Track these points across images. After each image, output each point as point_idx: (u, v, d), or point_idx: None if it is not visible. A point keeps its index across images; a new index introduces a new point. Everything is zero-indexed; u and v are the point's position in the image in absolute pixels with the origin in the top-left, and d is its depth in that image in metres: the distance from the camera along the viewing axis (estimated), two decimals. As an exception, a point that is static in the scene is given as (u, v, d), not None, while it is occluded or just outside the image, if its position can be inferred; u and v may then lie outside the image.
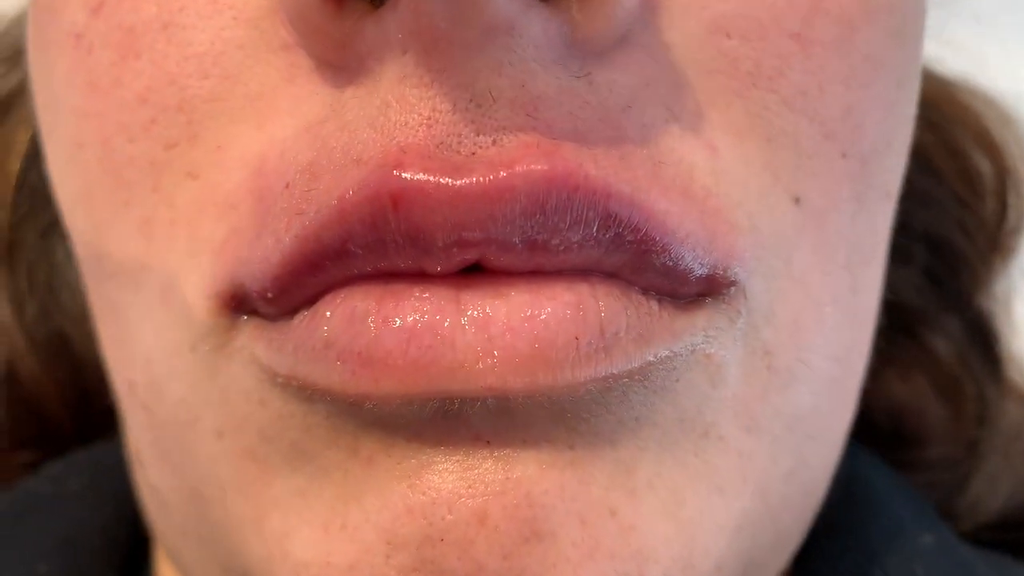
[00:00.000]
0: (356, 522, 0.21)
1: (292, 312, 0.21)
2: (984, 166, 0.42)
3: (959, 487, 0.39)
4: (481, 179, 0.19)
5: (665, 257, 0.20)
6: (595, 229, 0.20)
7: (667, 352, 0.21)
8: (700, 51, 0.21)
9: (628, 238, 0.20)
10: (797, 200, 0.22)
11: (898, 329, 0.40)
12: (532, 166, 0.19)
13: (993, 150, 0.42)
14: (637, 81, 0.20)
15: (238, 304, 0.21)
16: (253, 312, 0.22)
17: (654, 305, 0.21)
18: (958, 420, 0.40)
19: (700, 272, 0.21)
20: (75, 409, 0.41)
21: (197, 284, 0.22)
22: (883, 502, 0.33)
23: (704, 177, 0.21)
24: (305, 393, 0.21)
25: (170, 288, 0.22)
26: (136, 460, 0.27)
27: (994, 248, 0.42)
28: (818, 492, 0.26)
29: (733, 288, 0.21)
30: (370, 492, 0.21)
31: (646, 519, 0.21)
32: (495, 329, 0.19)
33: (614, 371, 0.20)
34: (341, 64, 0.20)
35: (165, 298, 0.22)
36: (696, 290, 0.21)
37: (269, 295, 0.21)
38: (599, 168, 0.20)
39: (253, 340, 0.21)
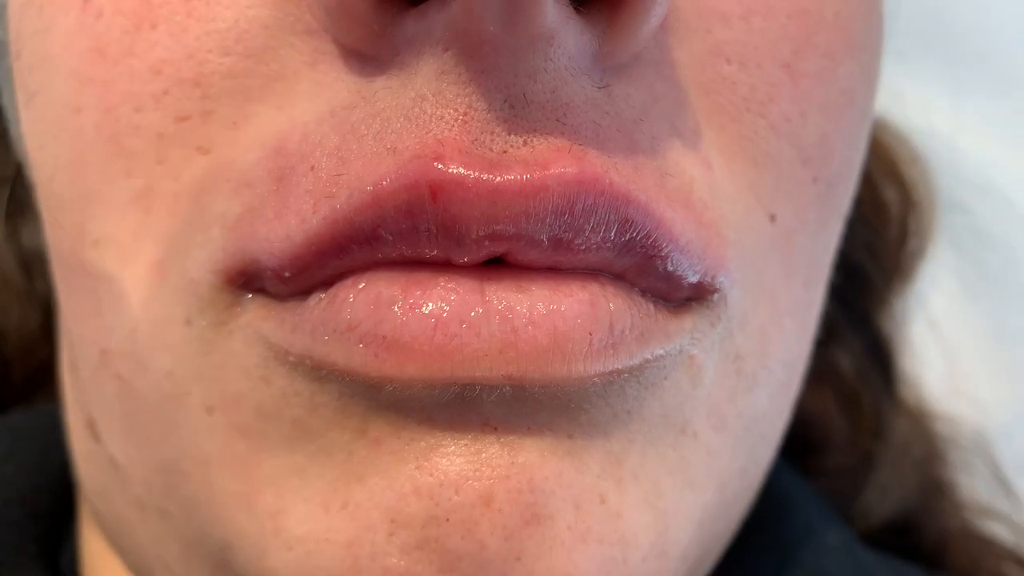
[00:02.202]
0: (358, 500, 0.21)
1: (305, 293, 0.21)
2: (891, 196, 0.45)
3: (853, 494, 0.42)
4: (518, 177, 0.20)
5: (667, 263, 0.21)
6: (613, 232, 0.21)
7: (661, 351, 0.22)
8: (702, 73, 0.22)
9: (639, 243, 0.21)
10: (773, 218, 0.23)
11: None
12: (565, 168, 0.20)
13: (901, 183, 0.46)
14: (648, 96, 0.21)
15: (246, 281, 0.21)
16: (259, 290, 0.22)
17: (651, 307, 0.22)
18: (856, 432, 0.43)
19: (693, 279, 0.22)
20: None
21: (202, 258, 0.22)
22: (795, 503, 0.35)
23: (701, 191, 0.22)
24: (317, 373, 0.21)
25: (166, 260, 0.22)
26: (86, 430, 0.27)
27: (896, 271, 0.45)
28: (757, 490, 0.28)
29: (717, 295, 0.23)
30: (375, 472, 0.21)
31: (630, 508, 0.22)
32: (518, 321, 0.20)
33: (618, 366, 0.21)
34: (371, 54, 0.20)
35: (159, 270, 0.22)
36: (686, 295, 0.22)
37: (286, 274, 0.21)
38: (620, 175, 0.21)
39: (260, 319, 0.21)
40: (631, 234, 0.21)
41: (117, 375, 0.24)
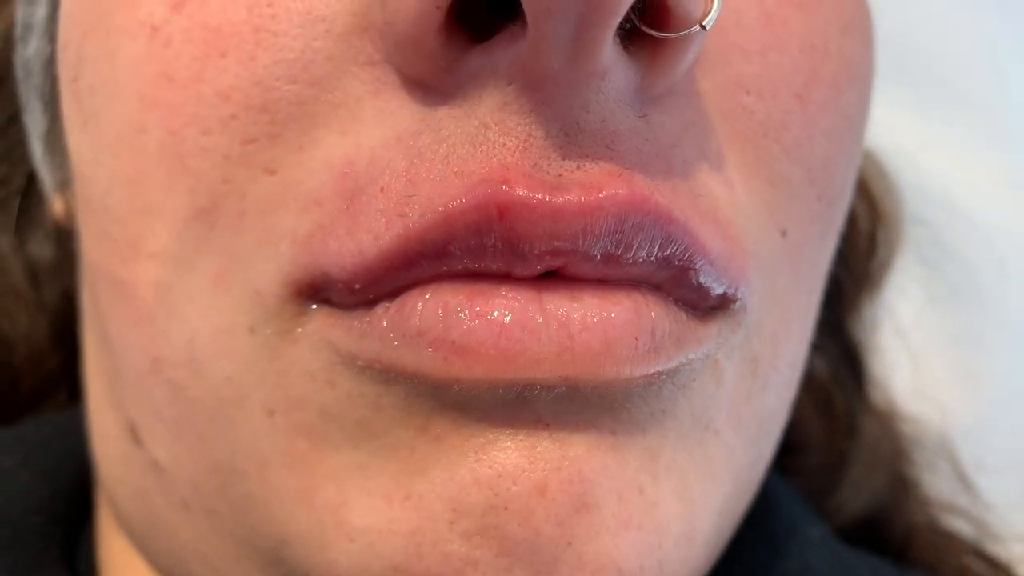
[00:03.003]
0: (421, 492, 0.22)
1: (371, 303, 0.23)
2: (860, 209, 0.48)
3: (828, 491, 0.44)
4: (577, 199, 0.21)
5: (700, 275, 0.23)
6: (657, 248, 0.22)
7: (693, 356, 0.24)
8: (724, 102, 0.24)
9: (678, 257, 0.23)
10: (784, 233, 0.26)
11: None
12: (617, 191, 0.22)
13: (869, 196, 0.48)
14: (680, 123, 0.23)
15: (313, 292, 0.23)
16: (325, 301, 0.23)
17: (684, 315, 0.24)
18: (830, 433, 0.45)
19: (719, 290, 0.24)
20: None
21: (270, 272, 0.23)
22: (779, 499, 0.37)
23: (726, 208, 0.24)
24: (385, 376, 0.23)
25: (228, 272, 0.23)
26: (126, 434, 0.28)
27: (865, 280, 0.48)
28: (761, 480, 0.30)
29: (738, 304, 0.25)
30: (437, 466, 0.23)
31: (664, 498, 0.24)
32: (574, 328, 0.22)
33: (659, 368, 0.23)
34: (434, 85, 0.22)
35: (221, 281, 0.23)
36: (712, 304, 0.24)
37: (356, 286, 0.22)
38: (662, 196, 0.22)
39: (327, 327, 0.23)
40: (671, 249, 0.23)
41: (169, 381, 0.25)
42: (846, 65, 0.26)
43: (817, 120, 0.26)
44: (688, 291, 0.24)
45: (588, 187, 0.22)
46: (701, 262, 0.23)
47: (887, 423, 0.48)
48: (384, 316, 0.22)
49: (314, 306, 0.23)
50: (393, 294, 0.23)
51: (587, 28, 0.20)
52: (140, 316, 0.25)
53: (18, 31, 0.36)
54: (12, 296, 0.43)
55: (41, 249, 0.43)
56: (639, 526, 0.23)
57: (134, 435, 0.27)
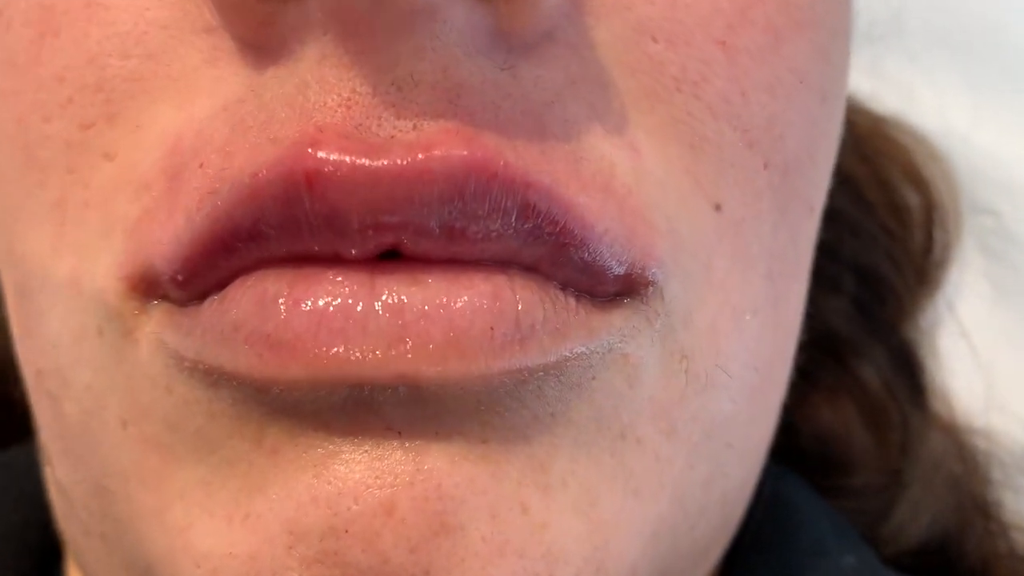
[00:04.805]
0: (259, 512, 0.20)
1: (202, 296, 0.21)
2: (912, 200, 0.43)
3: (883, 514, 0.39)
4: (399, 161, 0.19)
5: (583, 252, 0.20)
6: (513, 218, 0.20)
7: (583, 349, 0.21)
8: (625, 53, 0.21)
9: (547, 230, 0.20)
10: (718, 207, 0.22)
11: (827, 356, 0.40)
12: (451, 151, 0.19)
13: (921, 184, 0.44)
14: (562, 78, 0.20)
15: (148, 287, 0.21)
16: (163, 297, 0.21)
17: (571, 301, 0.21)
18: (883, 448, 0.41)
19: (618, 270, 0.21)
20: None
21: (108, 265, 0.21)
22: (807, 522, 0.33)
23: (625, 176, 0.21)
24: (211, 378, 0.20)
25: (80, 271, 0.22)
26: (46, 457, 0.26)
27: (920, 280, 0.43)
28: (738, 504, 0.26)
29: (651, 289, 0.21)
30: (275, 482, 0.20)
31: (558, 517, 0.21)
32: (409, 316, 0.19)
33: (528, 364, 0.20)
34: (263, 44, 0.20)
35: (75, 281, 0.22)
36: (614, 289, 0.21)
37: (179, 277, 0.20)
38: (518, 158, 0.20)
39: (162, 326, 0.21)
40: (534, 220, 0.20)
41: (49, 393, 0.23)
42: (786, 8, 0.23)
43: (750, 72, 0.22)
44: (573, 272, 0.20)
45: (413, 148, 0.19)
46: (583, 235, 0.20)
47: (953, 437, 0.43)
48: (207, 310, 0.20)
49: (155, 302, 0.21)
50: (221, 285, 0.20)
51: None
52: (24, 326, 0.24)
53: None
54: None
55: None
56: (520, 552, 0.20)
57: (47, 454, 0.26)
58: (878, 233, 0.42)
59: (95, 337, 0.22)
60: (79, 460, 0.23)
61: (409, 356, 0.19)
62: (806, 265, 0.26)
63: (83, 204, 0.21)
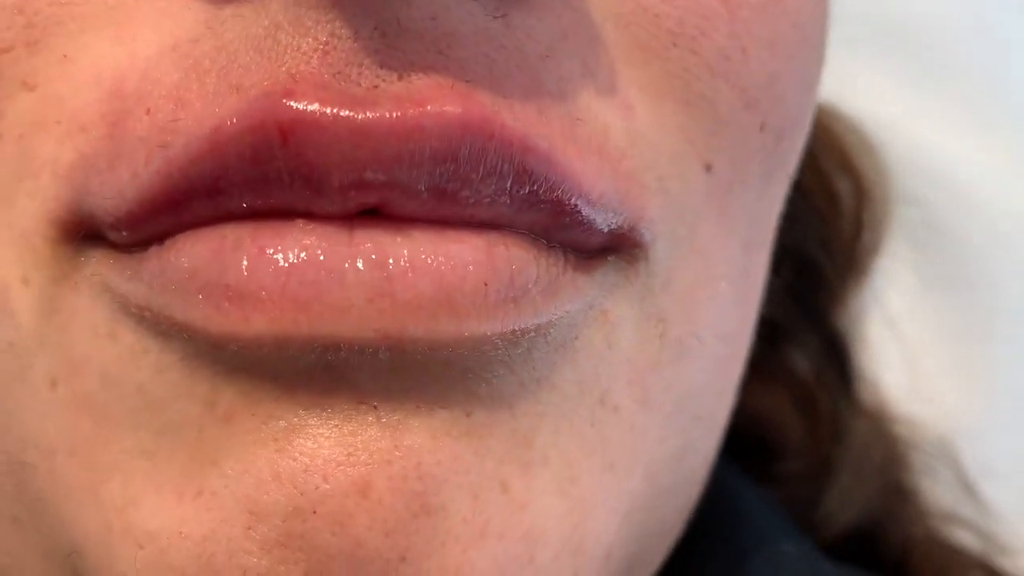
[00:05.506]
0: (214, 488, 0.18)
1: (146, 244, 0.19)
2: (844, 187, 0.44)
3: (814, 501, 0.40)
4: (388, 115, 0.17)
5: (578, 218, 0.19)
6: (509, 184, 0.18)
7: (572, 307, 0.20)
8: (619, 4, 0.20)
9: (543, 198, 0.19)
10: (708, 168, 0.21)
11: (762, 340, 0.40)
12: (445, 107, 0.17)
13: (853, 173, 0.44)
14: (555, 30, 0.19)
15: (85, 233, 0.19)
16: (101, 239, 0.19)
17: (560, 257, 0.19)
18: (814, 435, 0.41)
19: (607, 229, 0.20)
20: None
21: (33, 208, 0.19)
22: (748, 510, 0.33)
23: (618, 137, 0.20)
24: (159, 327, 0.19)
25: None
26: None
27: (851, 266, 0.44)
28: (698, 483, 0.25)
29: (637, 249, 0.21)
30: (229, 455, 0.18)
31: (538, 496, 0.19)
32: (395, 268, 0.18)
33: (523, 325, 0.19)
34: None
35: None
36: (599, 244, 0.20)
37: (124, 233, 0.19)
38: (516, 119, 0.18)
39: (106, 267, 0.19)
40: (531, 187, 0.18)
41: None
42: None
43: (751, 27, 0.21)
44: (563, 231, 0.19)
45: (403, 101, 0.17)
46: (580, 204, 0.19)
47: (878, 425, 0.43)
48: (156, 256, 0.18)
49: (91, 247, 0.19)
50: (166, 235, 0.19)
51: None
52: None
53: None
54: None
55: None
56: (500, 534, 0.19)
57: None
58: (812, 219, 0.42)
59: (19, 287, 0.19)
60: None
61: (394, 310, 0.17)
62: (772, 236, 0.25)
63: None
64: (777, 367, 0.41)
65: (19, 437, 0.20)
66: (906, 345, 0.45)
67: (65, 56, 0.19)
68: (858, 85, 0.44)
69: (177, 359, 0.19)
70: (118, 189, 0.18)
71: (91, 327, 0.19)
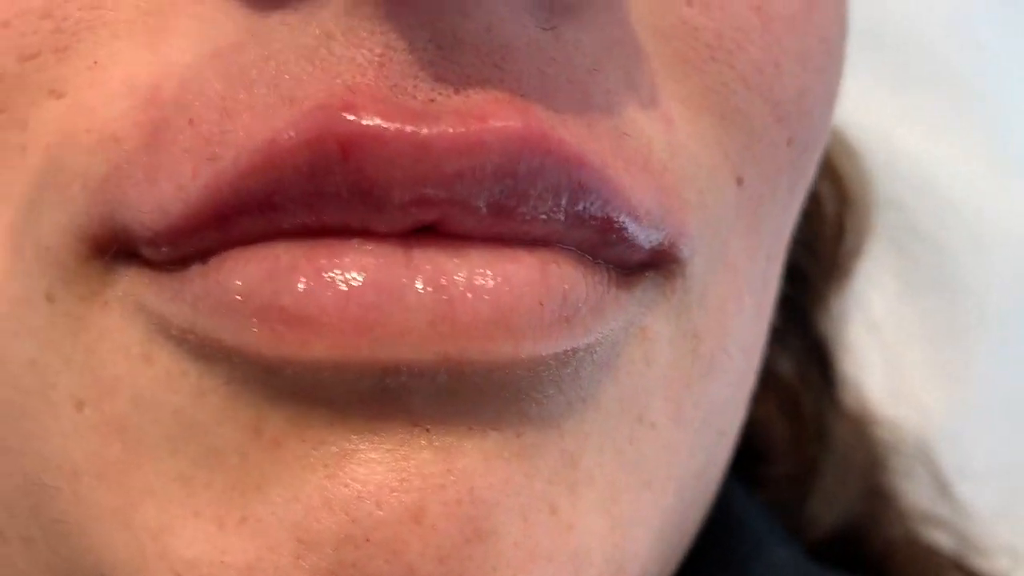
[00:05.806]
0: (259, 515, 0.18)
1: (185, 261, 0.18)
2: (826, 190, 0.44)
3: (797, 504, 0.40)
4: (451, 130, 0.17)
5: (624, 235, 0.19)
6: (564, 200, 0.18)
7: (616, 324, 0.19)
8: (660, 17, 0.20)
9: (595, 214, 0.18)
10: (740, 181, 0.21)
11: None
12: (507, 122, 0.17)
13: (835, 178, 0.44)
14: (600, 43, 0.19)
15: (118, 249, 0.18)
16: (135, 256, 0.18)
17: (605, 275, 0.19)
18: (798, 439, 0.41)
19: (647, 246, 0.20)
20: None
21: (62, 223, 0.18)
22: (744, 517, 0.33)
23: (661, 151, 0.19)
24: (203, 351, 0.18)
25: (18, 226, 0.19)
26: None
27: (833, 270, 0.44)
28: (713, 495, 0.25)
29: (675, 265, 0.20)
30: (276, 482, 0.18)
31: (583, 516, 0.19)
32: (454, 289, 0.17)
33: (574, 344, 0.19)
34: None
35: (10, 238, 0.19)
36: (640, 261, 0.20)
37: (163, 248, 0.18)
38: (570, 134, 0.18)
39: (141, 286, 0.18)
40: (585, 203, 0.18)
41: None
42: None
43: (783, 40, 0.21)
44: (607, 247, 0.19)
45: (467, 116, 0.17)
46: (627, 221, 0.19)
47: (860, 427, 0.43)
48: (200, 276, 0.18)
49: (124, 263, 0.18)
50: (209, 253, 0.18)
51: None
52: None
53: None
54: None
55: None
56: (548, 556, 0.19)
57: None
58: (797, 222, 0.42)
59: (43, 303, 0.19)
60: (6, 453, 0.20)
61: (455, 334, 0.17)
62: (787, 247, 0.25)
63: (19, 148, 0.18)
64: (762, 370, 0.41)
65: (38, 457, 0.19)
66: (886, 347, 0.46)
67: (96, 63, 0.18)
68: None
69: (221, 383, 0.18)
70: (159, 203, 0.17)
71: (123, 348, 0.18)
